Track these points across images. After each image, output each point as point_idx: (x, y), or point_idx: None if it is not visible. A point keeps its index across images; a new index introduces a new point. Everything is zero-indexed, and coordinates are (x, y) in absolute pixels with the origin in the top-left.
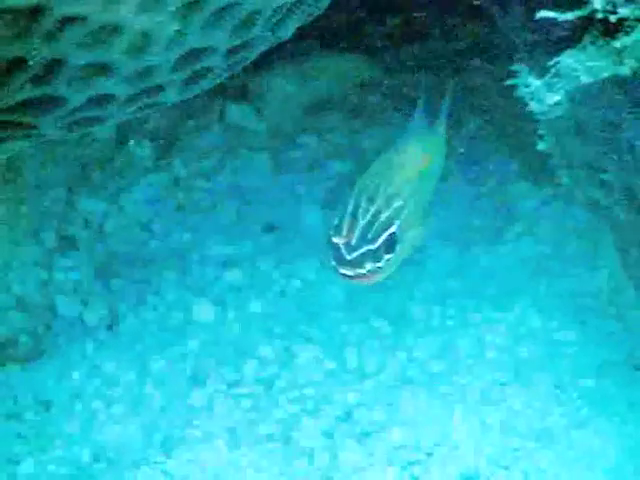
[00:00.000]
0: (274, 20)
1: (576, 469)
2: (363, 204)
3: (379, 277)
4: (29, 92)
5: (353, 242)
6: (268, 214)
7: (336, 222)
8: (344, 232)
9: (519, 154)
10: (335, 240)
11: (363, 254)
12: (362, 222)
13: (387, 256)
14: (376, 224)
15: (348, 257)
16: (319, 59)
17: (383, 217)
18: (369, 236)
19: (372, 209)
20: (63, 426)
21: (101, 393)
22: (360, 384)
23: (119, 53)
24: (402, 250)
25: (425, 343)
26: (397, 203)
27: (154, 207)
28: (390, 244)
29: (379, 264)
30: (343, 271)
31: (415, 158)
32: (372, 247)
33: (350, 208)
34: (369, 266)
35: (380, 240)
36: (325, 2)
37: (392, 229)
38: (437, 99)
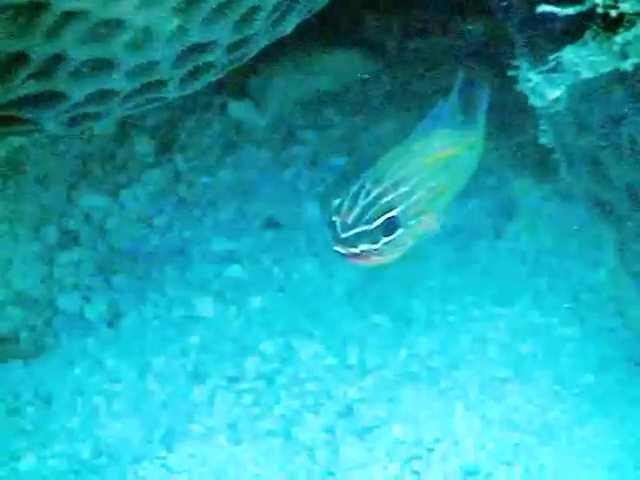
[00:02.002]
0: (275, 16)
1: (576, 464)
2: (368, 185)
3: (379, 260)
4: (30, 87)
5: (349, 221)
6: (269, 209)
7: (338, 201)
8: (343, 211)
9: (520, 149)
10: (334, 218)
11: (358, 234)
12: (363, 202)
13: (386, 239)
14: (377, 206)
15: (342, 235)
16: (320, 54)
17: (385, 200)
18: (367, 217)
19: (376, 191)
20: (64, 421)
21: (102, 389)
22: (361, 380)
23: (120, 48)
24: (407, 237)
25: (426, 339)
26: (404, 188)
27: (155, 203)
28: (390, 227)
29: (376, 246)
30: (336, 248)
31: (434, 146)
32: (368, 228)
33: (355, 188)
34: (364, 247)
35: (378, 222)
36: None
37: (393, 213)
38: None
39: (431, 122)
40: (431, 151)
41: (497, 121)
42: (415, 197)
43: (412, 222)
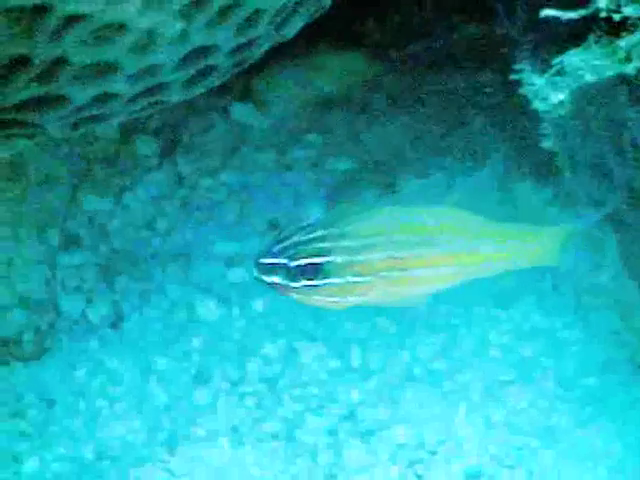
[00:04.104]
0: (278, 19)
1: (579, 467)
2: (320, 224)
3: (300, 298)
4: (33, 90)
5: (275, 250)
6: (272, 212)
7: (288, 226)
8: (280, 237)
9: (523, 153)
10: (271, 240)
11: (275, 265)
12: (301, 237)
13: (306, 282)
14: (312, 246)
15: (261, 260)
16: (323, 57)
17: (320, 245)
18: (291, 252)
19: (322, 232)
20: (67, 424)
21: (105, 391)
22: (364, 382)
23: (123, 52)
24: (347, 292)
25: (429, 341)
26: (351, 242)
27: (158, 205)
28: (313, 272)
29: (293, 284)
30: (253, 269)
31: (424, 218)
32: (286, 263)
33: (310, 220)
34: (276, 279)
35: (300, 262)
36: (328, 1)
37: (321, 260)
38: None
39: (464, 193)
40: (415, 221)
41: (500, 123)
42: (363, 257)
43: (354, 279)
